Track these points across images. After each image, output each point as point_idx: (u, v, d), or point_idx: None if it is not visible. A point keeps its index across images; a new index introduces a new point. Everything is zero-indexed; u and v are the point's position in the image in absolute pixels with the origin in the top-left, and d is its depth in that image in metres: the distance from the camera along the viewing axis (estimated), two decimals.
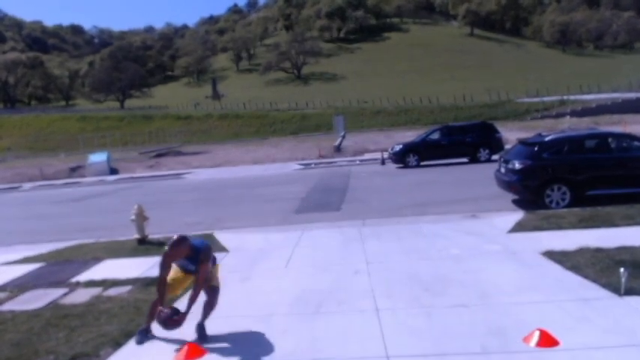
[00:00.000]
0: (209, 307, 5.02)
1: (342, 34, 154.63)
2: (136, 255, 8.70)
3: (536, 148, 10.66)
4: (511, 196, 11.44)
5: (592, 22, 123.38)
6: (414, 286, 6.02)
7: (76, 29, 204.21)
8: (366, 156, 28.04)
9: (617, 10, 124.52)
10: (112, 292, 6.67)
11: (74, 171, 31.66)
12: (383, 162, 23.47)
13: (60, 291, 6.87)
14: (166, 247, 4.86)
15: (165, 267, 4.90)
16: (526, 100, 61.73)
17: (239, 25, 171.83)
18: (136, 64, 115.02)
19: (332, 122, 48.09)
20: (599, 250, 6.77)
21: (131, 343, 4.96)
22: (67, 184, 27.25)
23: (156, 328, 4.98)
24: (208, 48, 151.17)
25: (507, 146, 18.46)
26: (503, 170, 11.31)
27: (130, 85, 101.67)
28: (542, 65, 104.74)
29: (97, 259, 8.54)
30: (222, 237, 9.46)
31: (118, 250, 9.13)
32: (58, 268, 8.18)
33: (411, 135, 31.29)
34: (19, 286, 7.24)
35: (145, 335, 4.99)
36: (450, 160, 20.96)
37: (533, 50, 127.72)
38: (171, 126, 66.16)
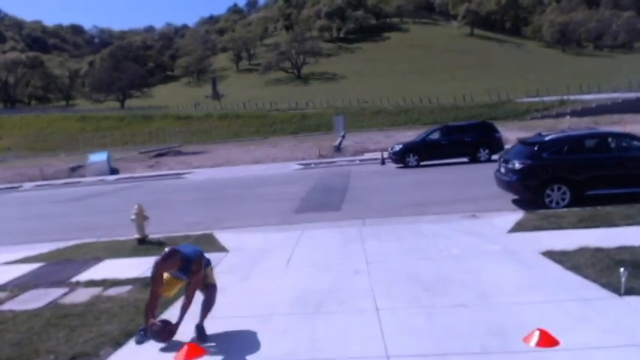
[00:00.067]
0: (207, 305, 5.02)
1: (342, 34, 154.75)
2: (136, 255, 8.70)
3: (536, 148, 10.65)
4: (511, 196, 11.44)
5: (592, 21, 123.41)
6: (414, 286, 6.02)
7: (76, 29, 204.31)
8: (366, 156, 28.02)
9: (616, 10, 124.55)
10: (112, 291, 6.67)
11: (74, 171, 31.65)
12: (383, 162, 23.47)
13: (60, 291, 6.88)
14: (157, 258, 4.87)
15: (156, 281, 4.92)
16: (526, 100, 61.72)
17: (239, 25, 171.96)
18: (136, 64, 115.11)
19: (332, 122, 48.10)
20: (599, 250, 6.77)
21: (131, 343, 4.96)
22: (67, 183, 27.24)
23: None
24: (208, 48, 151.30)
25: (507, 146, 18.44)
26: (503, 170, 11.31)
27: (130, 85, 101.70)
28: (542, 65, 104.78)
29: (97, 259, 8.55)
30: (222, 237, 9.47)
31: (118, 250, 9.14)
32: (58, 267, 8.18)
33: (411, 135, 31.29)
34: (19, 286, 7.24)
35: (145, 335, 4.99)
36: (450, 159, 20.96)
37: (533, 50, 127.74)
38: (171, 126, 66.18)
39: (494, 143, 20.85)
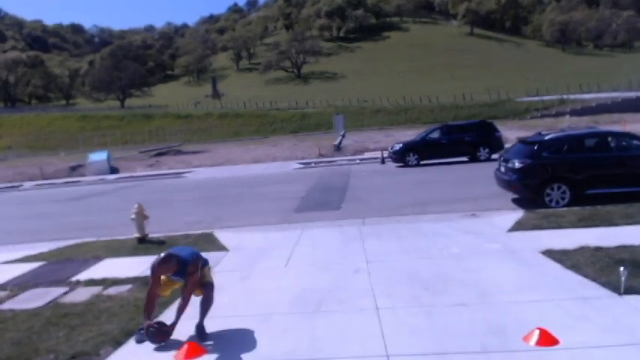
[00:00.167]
0: (206, 304, 5.02)
1: (341, 34, 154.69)
2: (136, 254, 8.69)
3: (535, 147, 10.65)
4: (511, 195, 11.44)
5: (591, 21, 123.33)
6: (414, 285, 6.03)
7: (77, 28, 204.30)
8: (366, 155, 28.01)
9: (616, 9, 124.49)
10: (112, 290, 6.67)
11: (74, 170, 31.66)
12: (383, 161, 23.46)
13: (60, 290, 6.88)
14: (154, 262, 4.88)
15: (153, 282, 4.94)
16: (526, 99, 61.68)
17: (239, 24, 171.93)
18: (136, 63, 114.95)
19: (332, 121, 48.09)
20: (598, 249, 6.77)
21: (131, 342, 4.97)
22: (67, 183, 27.23)
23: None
24: (208, 47, 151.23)
25: (507, 145, 18.44)
26: (503, 169, 11.31)
27: (130, 84, 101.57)
28: (541, 64, 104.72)
29: (98, 258, 8.55)
30: (222, 236, 9.47)
31: (118, 249, 9.14)
32: (58, 266, 8.18)
33: (411, 134, 31.31)
34: (19, 285, 7.25)
35: (145, 334, 4.99)
36: (450, 159, 20.95)
37: (533, 49, 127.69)
38: (171, 125, 66.15)
39: (494, 142, 20.85)
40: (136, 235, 9.55)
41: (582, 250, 6.83)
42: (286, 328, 5.03)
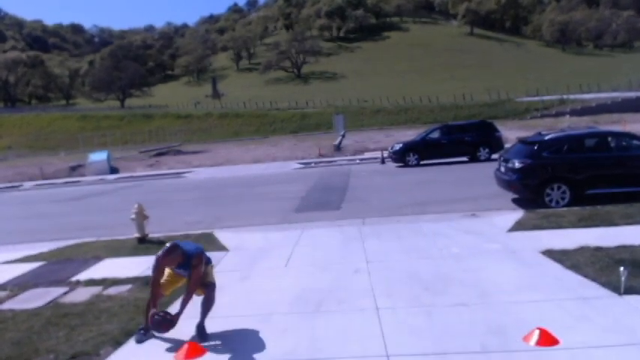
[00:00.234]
0: (207, 304, 5.02)
1: (341, 34, 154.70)
2: (136, 254, 8.69)
3: (535, 147, 10.65)
4: (511, 195, 11.44)
5: (591, 21, 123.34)
6: (414, 285, 6.03)
7: (77, 28, 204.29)
8: (366, 155, 28.01)
9: (616, 9, 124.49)
10: (112, 290, 6.67)
11: (74, 170, 31.66)
12: (383, 161, 23.46)
13: (60, 290, 6.88)
14: (159, 253, 4.88)
15: (158, 270, 4.95)
16: (526, 99, 61.68)
17: (239, 24, 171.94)
18: (136, 63, 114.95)
19: (332, 121, 48.10)
20: (598, 249, 6.78)
21: (131, 342, 4.96)
22: (67, 183, 27.23)
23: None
24: (208, 47, 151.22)
25: (507, 145, 18.44)
26: (503, 169, 11.31)
27: (130, 84, 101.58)
28: (541, 64, 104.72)
29: (98, 258, 8.55)
30: (222, 236, 9.47)
31: (118, 249, 9.14)
32: (58, 266, 8.18)
33: (410, 134, 31.30)
34: (19, 285, 7.25)
35: (145, 334, 5.00)
36: (450, 159, 20.96)
37: (533, 49, 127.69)
38: (171, 125, 66.16)
39: (494, 142, 20.86)
40: (136, 235, 9.55)
41: (582, 250, 6.83)
42: (286, 328, 5.03)
